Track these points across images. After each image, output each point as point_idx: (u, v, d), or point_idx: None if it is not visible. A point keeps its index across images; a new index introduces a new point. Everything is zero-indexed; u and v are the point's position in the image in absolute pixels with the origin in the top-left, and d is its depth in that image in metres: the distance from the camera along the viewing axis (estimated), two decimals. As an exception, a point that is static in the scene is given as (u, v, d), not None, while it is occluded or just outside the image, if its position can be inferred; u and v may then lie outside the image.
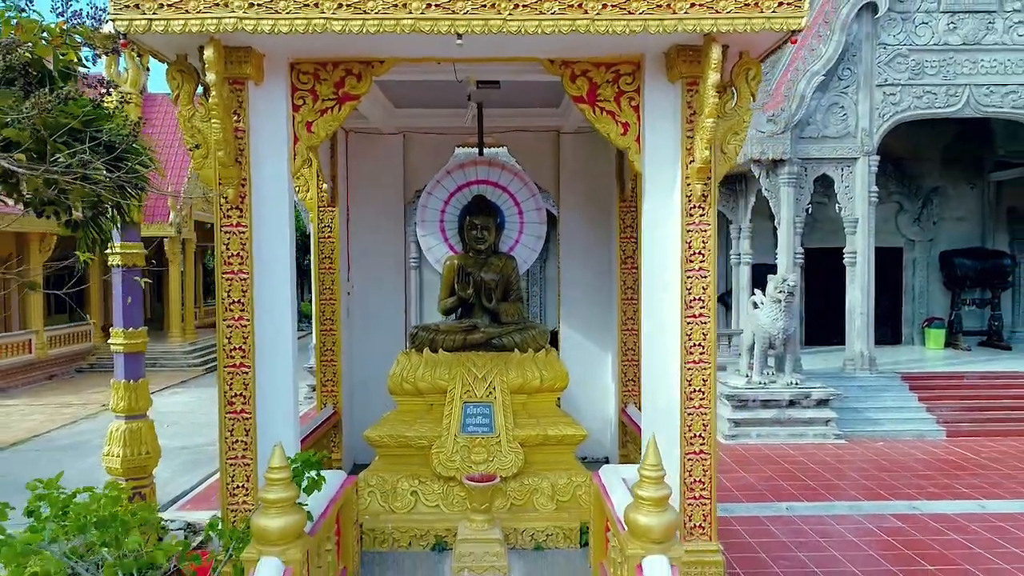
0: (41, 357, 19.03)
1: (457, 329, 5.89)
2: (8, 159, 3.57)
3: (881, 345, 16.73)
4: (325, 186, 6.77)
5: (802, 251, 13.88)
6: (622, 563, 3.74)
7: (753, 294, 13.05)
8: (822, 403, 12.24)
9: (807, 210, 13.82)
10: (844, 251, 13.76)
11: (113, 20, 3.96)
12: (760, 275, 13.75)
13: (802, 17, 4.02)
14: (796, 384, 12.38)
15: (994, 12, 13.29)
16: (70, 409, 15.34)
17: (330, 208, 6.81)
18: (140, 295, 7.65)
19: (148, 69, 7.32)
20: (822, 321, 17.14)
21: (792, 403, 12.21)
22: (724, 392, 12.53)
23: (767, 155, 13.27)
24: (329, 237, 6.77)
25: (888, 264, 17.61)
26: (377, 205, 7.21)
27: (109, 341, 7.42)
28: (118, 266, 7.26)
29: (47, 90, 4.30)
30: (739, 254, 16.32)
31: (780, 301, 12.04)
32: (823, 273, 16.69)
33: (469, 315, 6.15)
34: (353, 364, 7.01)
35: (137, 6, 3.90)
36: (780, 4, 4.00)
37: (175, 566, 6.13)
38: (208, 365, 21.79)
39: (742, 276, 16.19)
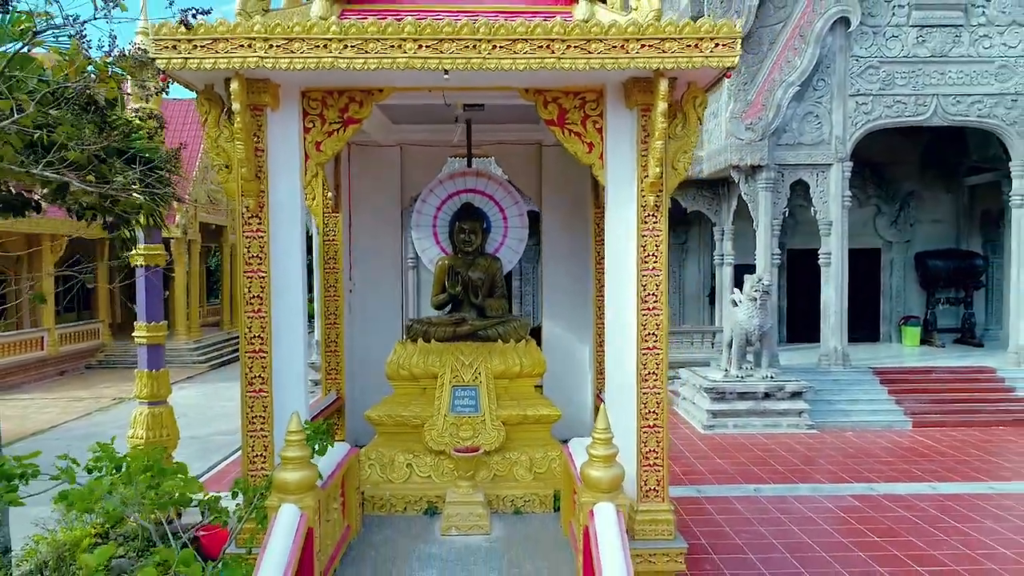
0: (52, 354, 19.76)
1: (448, 322, 6.63)
2: (77, 177, 4.31)
3: (860, 342, 17.56)
4: (330, 194, 7.50)
5: (780, 252, 14.65)
6: (579, 511, 4.48)
7: (733, 293, 13.80)
8: (795, 395, 12.99)
9: (785, 213, 14.58)
10: (819, 252, 14.50)
11: (155, 59, 4.70)
12: (743, 275, 14.46)
13: (735, 56, 4.77)
14: (771, 377, 13.13)
15: (960, 26, 14.05)
16: (82, 403, 16.08)
17: (334, 214, 7.54)
18: (160, 292, 8.41)
19: (167, 91, 8.11)
20: (804, 319, 17.85)
21: (767, 395, 12.96)
22: (703, 385, 13.28)
23: (746, 161, 14.04)
24: (333, 240, 7.51)
25: (866, 265, 18.40)
26: (376, 211, 7.93)
27: (133, 334, 8.17)
28: (141, 266, 8.02)
29: (99, 118, 5.08)
30: (722, 255, 17.07)
31: (756, 299, 12.79)
32: (805, 273, 17.42)
33: (458, 310, 6.89)
34: (355, 355, 7.73)
35: (175, 47, 4.63)
36: (716, 45, 4.75)
37: (195, 535, 6.92)
38: (212, 362, 22.53)
39: (725, 276, 16.94)
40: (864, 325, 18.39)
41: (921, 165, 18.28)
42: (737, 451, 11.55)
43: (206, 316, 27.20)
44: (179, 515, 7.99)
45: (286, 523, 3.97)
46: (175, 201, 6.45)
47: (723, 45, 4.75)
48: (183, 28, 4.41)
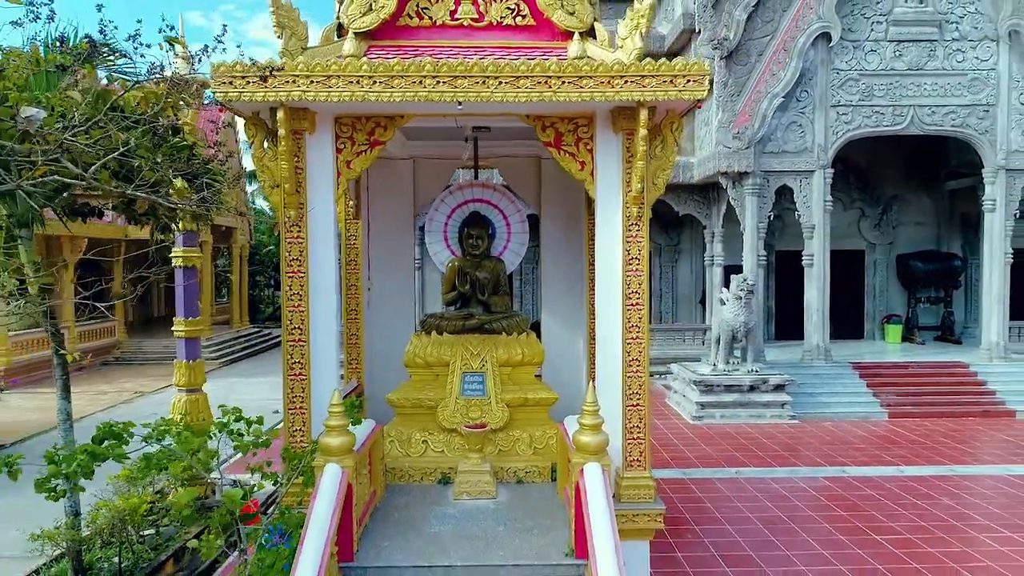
0: (71, 350, 20.57)
1: (458, 317, 7.49)
2: (155, 193, 5.18)
3: (845, 340, 18.45)
4: (351, 203, 8.35)
5: (765, 253, 15.52)
6: (571, 471, 5.33)
7: (721, 292, 14.67)
8: (779, 388, 13.86)
9: (771, 217, 15.45)
10: (803, 254, 15.36)
11: (213, 93, 5.56)
12: (732, 275, 15.29)
13: (704, 90, 5.63)
14: (756, 372, 14.00)
15: (935, 41, 14.93)
16: (106, 396, 16.94)
17: (355, 220, 8.39)
18: (197, 290, 9.30)
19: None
20: (791, 318, 18.71)
21: (752, 388, 13.84)
22: (693, 378, 14.15)
23: (733, 168, 14.91)
24: (354, 244, 8.36)
25: (851, 265, 19.28)
26: (391, 218, 8.78)
27: (173, 328, 9.05)
28: (180, 266, 8.91)
29: (163, 141, 5.96)
30: (712, 256, 17.94)
31: (741, 298, 13.66)
32: (792, 274, 18.28)
33: (467, 306, 7.73)
34: (373, 347, 8.58)
35: (231, 83, 5.49)
36: (688, 81, 5.61)
37: (230, 511, 7.76)
38: (224, 359, 23.37)
39: (715, 276, 17.80)
40: (849, 323, 19.27)
41: (903, 170, 19.14)
42: (723, 439, 12.42)
43: (215, 315, 28.03)
44: (213, 492, 8.89)
45: (331, 478, 4.83)
46: (239, 215, 7.34)
47: (693, 81, 5.61)
48: (251, 66, 5.24)
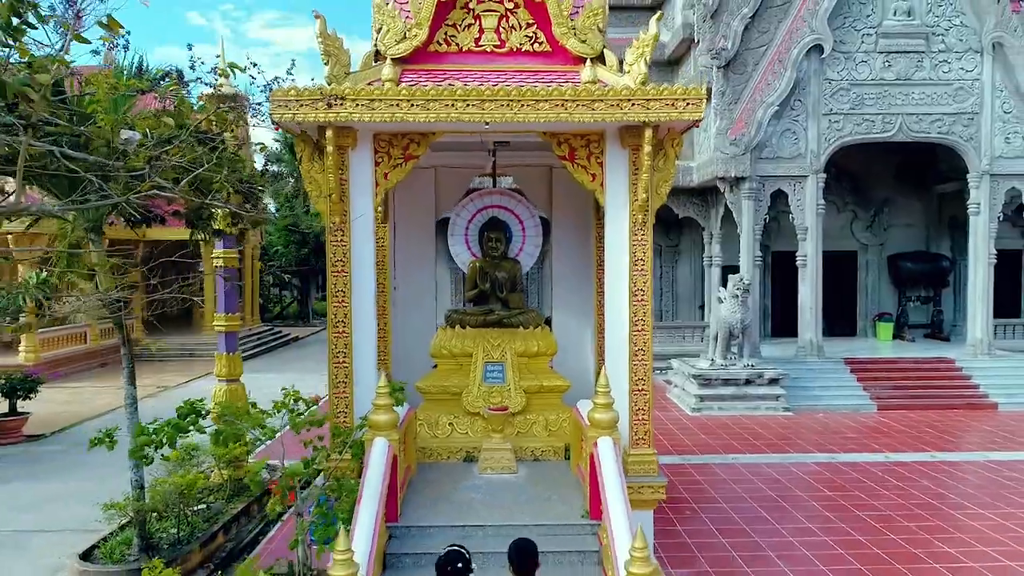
0: (94, 347, 21.40)
1: (479, 312, 8.26)
2: (216, 201, 5.95)
3: (838, 337, 19.23)
4: (379, 208, 9.12)
5: (761, 254, 16.29)
6: (585, 444, 6.10)
7: (719, 291, 15.44)
8: (773, 382, 14.64)
9: (767, 219, 16.22)
10: (796, 255, 16.14)
11: (271, 114, 6.33)
12: (729, 275, 16.02)
13: (701, 112, 6.40)
14: (752, 366, 14.78)
15: (923, 53, 15.70)
16: (131, 390, 17.69)
17: (383, 224, 9.15)
18: (236, 288, 10.07)
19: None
20: (787, 316, 19.46)
21: (748, 382, 14.61)
22: (692, 373, 14.93)
23: (730, 173, 15.68)
24: (382, 246, 9.09)
25: (844, 266, 20.06)
26: (415, 222, 9.54)
27: (213, 323, 9.83)
28: (220, 266, 9.67)
29: (225, 154, 6.73)
30: (711, 257, 18.71)
31: (738, 296, 14.43)
32: (788, 274, 19.01)
33: (487, 303, 8.51)
34: (398, 340, 9.35)
35: (286, 106, 6.26)
36: (688, 104, 6.38)
37: (267, 488, 8.56)
38: (241, 355, 24.09)
39: (713, 276, 18.57)
40: (842, 321, 20.04)
41: (894, 175, 19.91)
42: (720, 429, 13.20)
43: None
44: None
45: (380, 449, 5.60)
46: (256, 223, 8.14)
47: (692, 104, 6.39)
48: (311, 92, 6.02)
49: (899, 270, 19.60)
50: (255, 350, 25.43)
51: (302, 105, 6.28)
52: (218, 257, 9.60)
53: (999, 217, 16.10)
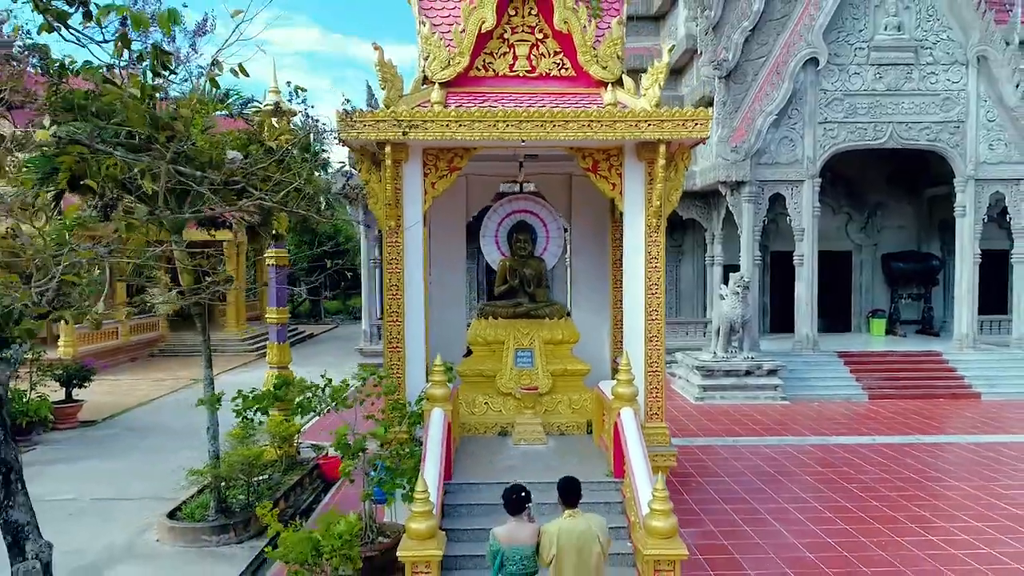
0: (124, 343, 22.45)
1: (509, 305, 9.31)
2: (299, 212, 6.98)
3: (834, 332, 20.27)
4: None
5: (761, 254, 17.34)
6: (608, 415, 7.16)
7: (720, 289, 16.48)
8: (771, 373, 15.68)
9: (765, 221, 17.26)
10: (793, 254, 17.18)
11: (339, 134, 7.38)
12: (729, 274, 17.05)
13: (707, 132, 7.46)
14: (751, 359, 15.82)
15: (912, 65, 16.75)
16: (166, 383, 18.76)
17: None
18: (286, 285, 11.10)
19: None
20: (785, 312, 20.43)
21: (748, 373, 15.65)
22: (696, 365, 15.98)
23: (731, 178, 16.72)
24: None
25: (840, 265, 21.10)
26: (447, 225, 10.59)
27: (265, 316, 10.88)
28: (272, 265, 10.71)
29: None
30: (712, 256, 19.74)
31: (738, 293, 15.47)
32: (787, 273, 19.99)
33: (515, 297, 9.56)
34: (433, 330, 10.39)
35: (352, 126, 7.31)
36: (696, 124, 7.44)
37: (316, 463, 9.65)
38: (261, 351, 25.15)
39: (715, 275, 19.60)
40: (838, 317, 21.08)
41: (887, 179, 20.94)
42: (722, 416, 14.25)
43: (248, 311, 29.80)
44: (297, 451, 10.70)
45: (438, 418, 6.65)
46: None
47: (700, 124, 7.45)
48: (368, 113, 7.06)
49: (891, 269, 20.64)
50: (274, 346, 26.49)
51: (365, 126, 7.33)
52: (271, 256, 10.64)
53: (984, 219, 17.14)
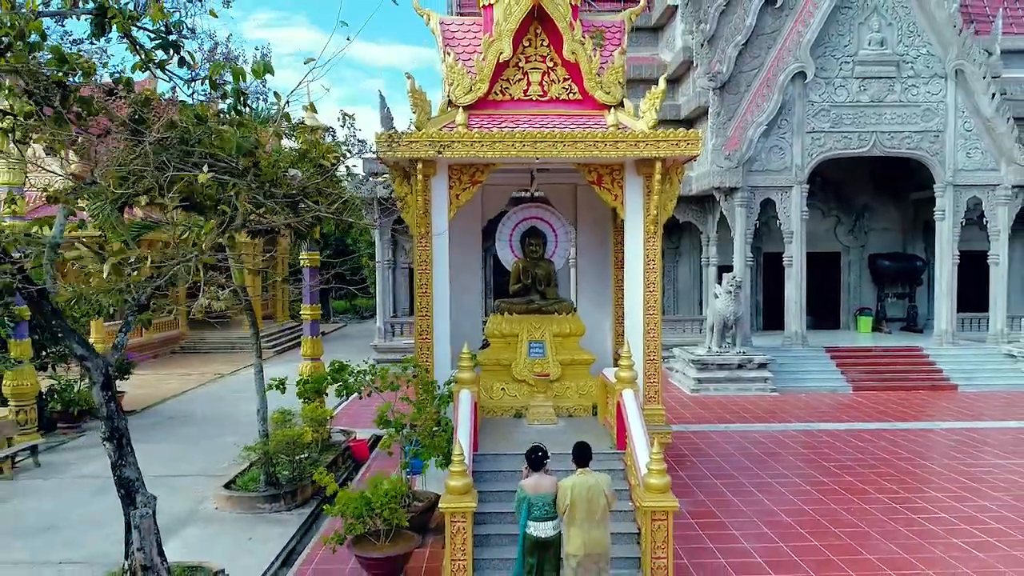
0: (148, 340, 23.54)
1: (522, 302, 10.42)
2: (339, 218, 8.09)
3: (823, 329, 21.39)
4: (438, 219, 11.29)
5: (753, 256, 18.45)
6: (611, 397, 8.28)
7: (714, 287, 17.59)
8: (762, 366, 16.80)
9: (757, 224, 18.38)
10: (783, 256, 18.30)
11: (376, 151, 8.48)
12: (723, 273, 18.15)
13: (698, 150, 8.58)
14: (743, 353, 16.94)
15: (894, 78, 17.87)
16: (192, 377, 19.87)
17: (440, 232, 11.33)
18: (319, 284, 12.18)
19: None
20: (776, 310, 21.49)
21: (740, 366, 16.77)
22: (691, 359, 17.09)
23: (725, 184, 17.84)
24: (441, 249, 11.29)
25: (829, 266, 22.22)
26: (465, 228, 11.69)
27: (300, 313, 11.99)
28: (306, 267, 11.80)
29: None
30: (707, 257, 20.87)
31: (731, 292, 16.59)
32: (778, 273, 21.10)
33: (528, 295, 10.66)
34: (453, 325, 11.53)
35: (390, 146, 8.41)
36: (688, 144, 8.55)
37: (347, 445, 10.75)
38: (275, 349, 26.27)
39: (710, 274, 20.72)
40: (827, 315, 22.21)
41: (873, 184, 22.05)
42: (716, 406, 15.35)
43: (262, 310, 30.89)
44: (329, 435, 11.79)
45: (466, 398, 7.76)
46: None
47: (691, 144, 8.56)
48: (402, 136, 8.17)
49: (878, 269, 21.76)
50: (288, 344, 27.57)
51: (400, 145, 8.44)
52: (305, 258, 11.74)
53: (963, 222, 18.26)
